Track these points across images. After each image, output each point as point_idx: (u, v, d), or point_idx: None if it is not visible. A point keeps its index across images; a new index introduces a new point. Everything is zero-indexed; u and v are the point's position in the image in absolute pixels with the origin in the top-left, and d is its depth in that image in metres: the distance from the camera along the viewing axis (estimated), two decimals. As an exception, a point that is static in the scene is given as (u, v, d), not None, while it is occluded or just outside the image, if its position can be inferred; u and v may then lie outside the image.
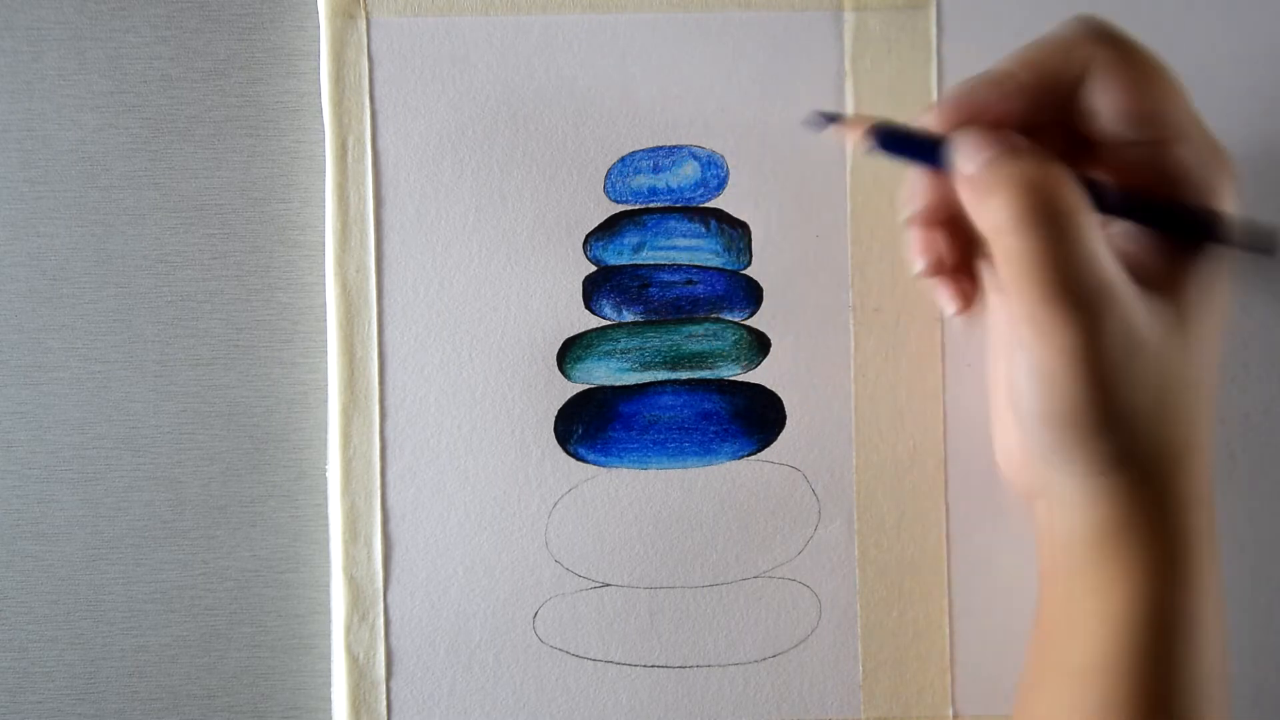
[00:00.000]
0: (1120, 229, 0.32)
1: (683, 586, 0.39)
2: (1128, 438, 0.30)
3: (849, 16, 0.39)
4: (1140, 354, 0.30)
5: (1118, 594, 0.31)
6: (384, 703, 0.39)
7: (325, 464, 0.40)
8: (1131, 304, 0.30)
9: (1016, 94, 0.31)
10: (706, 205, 0.39)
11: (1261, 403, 0.40)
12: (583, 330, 0.39)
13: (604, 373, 0.39)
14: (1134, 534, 0.31)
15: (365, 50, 0.39)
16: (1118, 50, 0.31)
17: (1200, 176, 0.30)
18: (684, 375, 0.40)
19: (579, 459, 0.39)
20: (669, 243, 0.39)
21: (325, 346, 0.40)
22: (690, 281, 0.39)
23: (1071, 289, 0.29)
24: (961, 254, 0.34)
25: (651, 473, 0.39)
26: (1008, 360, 0.32)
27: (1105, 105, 0.31)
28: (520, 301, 0.39)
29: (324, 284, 0.39)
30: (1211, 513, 0.32)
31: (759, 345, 0.39)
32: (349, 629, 0.39)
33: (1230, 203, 0.31)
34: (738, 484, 0.39)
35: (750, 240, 0.39)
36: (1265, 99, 0.40)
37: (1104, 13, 0.39)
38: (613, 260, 0.39)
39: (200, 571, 0.40)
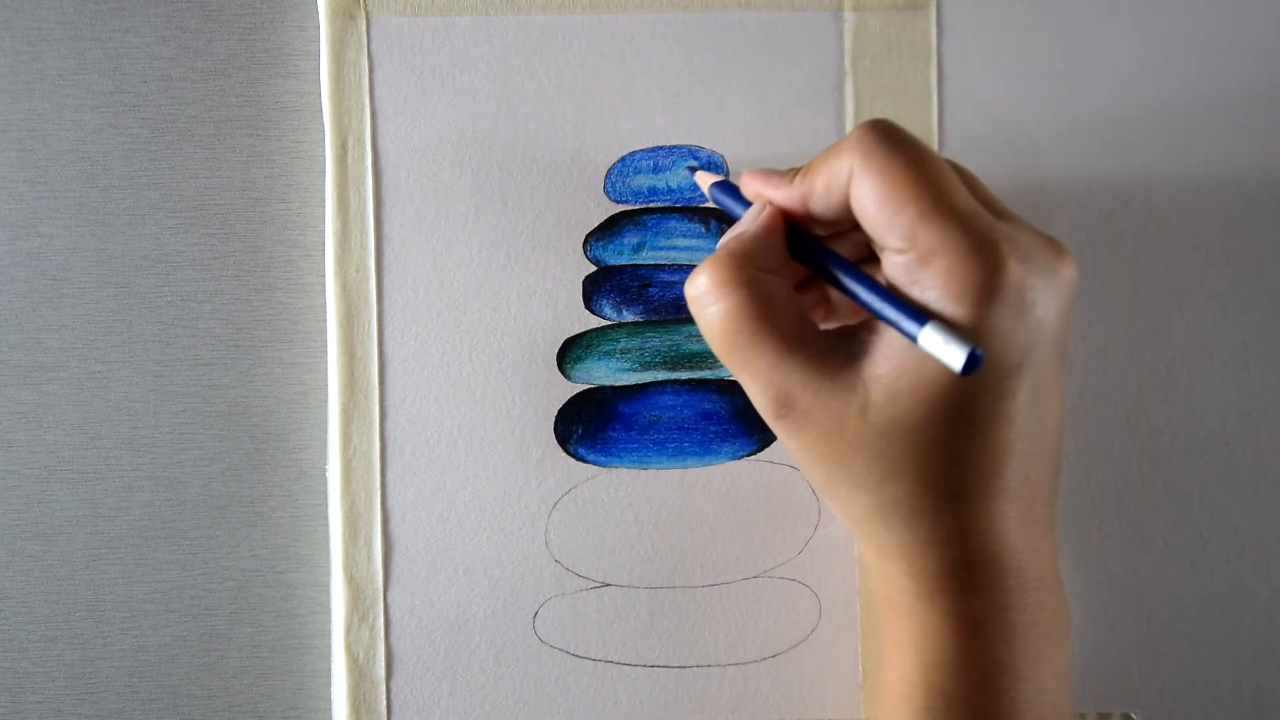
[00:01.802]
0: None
1: (683, 586, 0.39)
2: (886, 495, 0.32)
3: (849, 16, 0.39)
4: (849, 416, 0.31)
5: (930, 645, 0.32)
6: (384, 703, 0.39)
7: (325, 464, 0.40)
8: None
9: (799, 190, 0.33)
10: (706, 205, 0.39)
11: (1261, 403, 0.40)
12: (583, 330, 0.39)
13: (604, 373, 0.39)
14: (949, 590, 0.32)
15: (365, 50, 0.39)
16: (867, 160, 0.31)
17: (947, 292, 0.30)
18: (684, 375, 0.40)
19: (579, 459, 0.39)
20: (669, 243, 0.39)
21: (325, 346, 0.40)
22: (690, 281, 0.39)
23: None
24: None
25: (651, 473, 0.39)
26: None
27: (860, 213, 0.31)
28: (520, 301, 0.39)
29: (324, 284, 0.39)
30: (1042, 559, 0.33)
31: (759, 345, 0.39)
32: (349, 629, 0.39)
33: (988, 301, 0.30)
34: (738, 484, 0.39)
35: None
36: (1265, 100, 0.40)
37: (1099, 13, 0.39)
38: (613, 260, 0.39)
39: (200, 571, 0.40)
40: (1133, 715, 0.40)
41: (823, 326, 0.34)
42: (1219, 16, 0.40)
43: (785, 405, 0.32)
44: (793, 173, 0.33)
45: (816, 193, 0.32)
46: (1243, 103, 0.40)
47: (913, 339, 0.29)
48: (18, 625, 0.40)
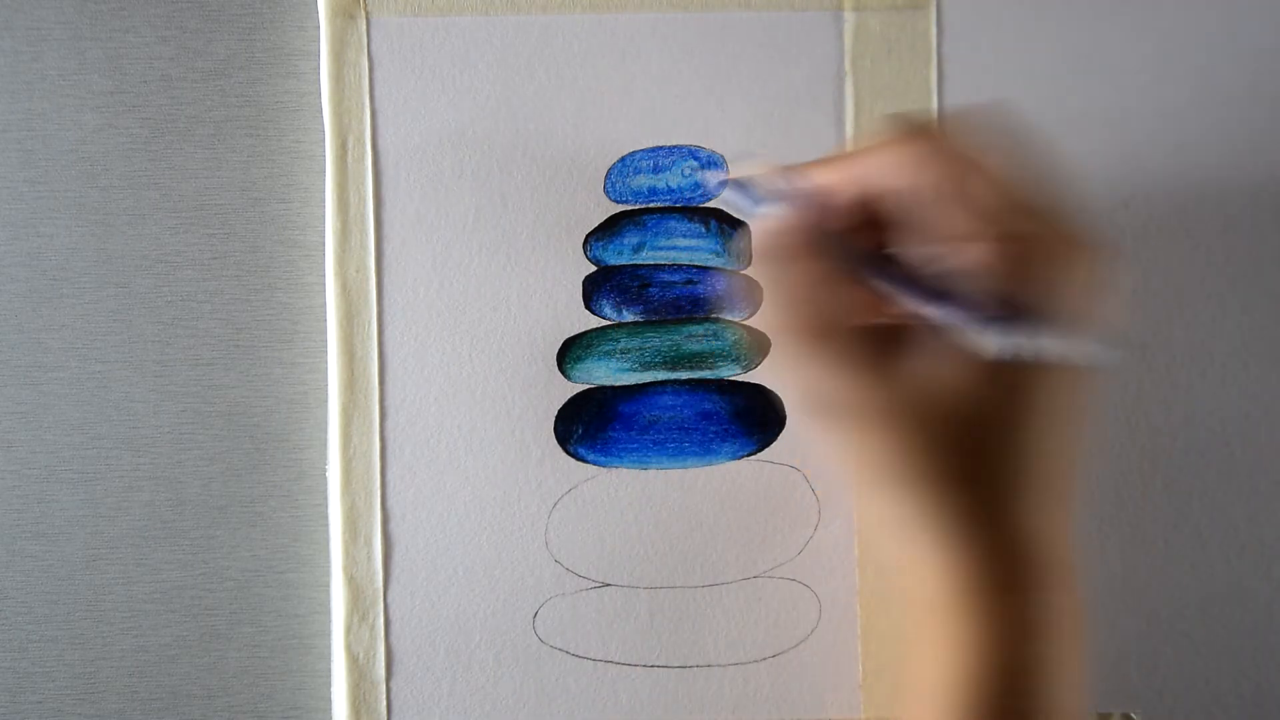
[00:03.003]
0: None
1: (683, 586, 0.39)
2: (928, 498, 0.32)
3: (849, 16, 0.39)
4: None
5: (970, 645, 0.32)
6: (384, 703, 0.39)
7: (325, 464, 0.40)
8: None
9: (837, 180, 0.32)
10: (706, 205, 0.39)
11: (1261, 403, 0.40)
12: (583, 330, 0.39)
13: (604, 373, 0.39)
14: (989, 588, 0.32)
15: (365, 50, 0.39)
16: (906, 157, 0.31)
17: (1006, 274, 0.30)
18: (684, 375, 0.40)
19: (579, 459, 0.39)
20: (669, 243, 0.39)
21: (325, 346, 0.40)
22: (690, 281, 0.39)
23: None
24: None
25: (651, 473, 0.39)
26: None
27: (923, 203, 0.31)
28: (520, 301, 0.39)
29: (324, 284, 0.39)
30: (1066, 558, 0.33)
31: (759, 345, 0.39)
32: (349, 629, 0.39)
33: (1063, 282, 0.30)
34: (738, 484, 0.39)
35: (750, 240, 0.39)
36: (1265, 100, 0.40)
37: (1099, 13, 0.39)
38: (613, 260, 0.39)
39: (200, 571, 0.40)
40: (1133, 715, 0.40)
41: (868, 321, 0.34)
42: (1219, 17, 0.40)
43: (830, 403, 0.32)
44: (822, 163, 0.33)
45: (860, 183, 0.32)
46: (1243, 103, 0.40)
47: (1013, 345, 0.29)
48: (18, 625, 0.40)
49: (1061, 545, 0.33)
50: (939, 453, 0.31)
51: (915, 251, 0.32)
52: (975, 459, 0.31)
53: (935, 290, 0.30)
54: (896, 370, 0.31)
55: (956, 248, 0.31)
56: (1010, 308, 0.30)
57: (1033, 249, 0.30)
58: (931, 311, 0.30)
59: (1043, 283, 0.30)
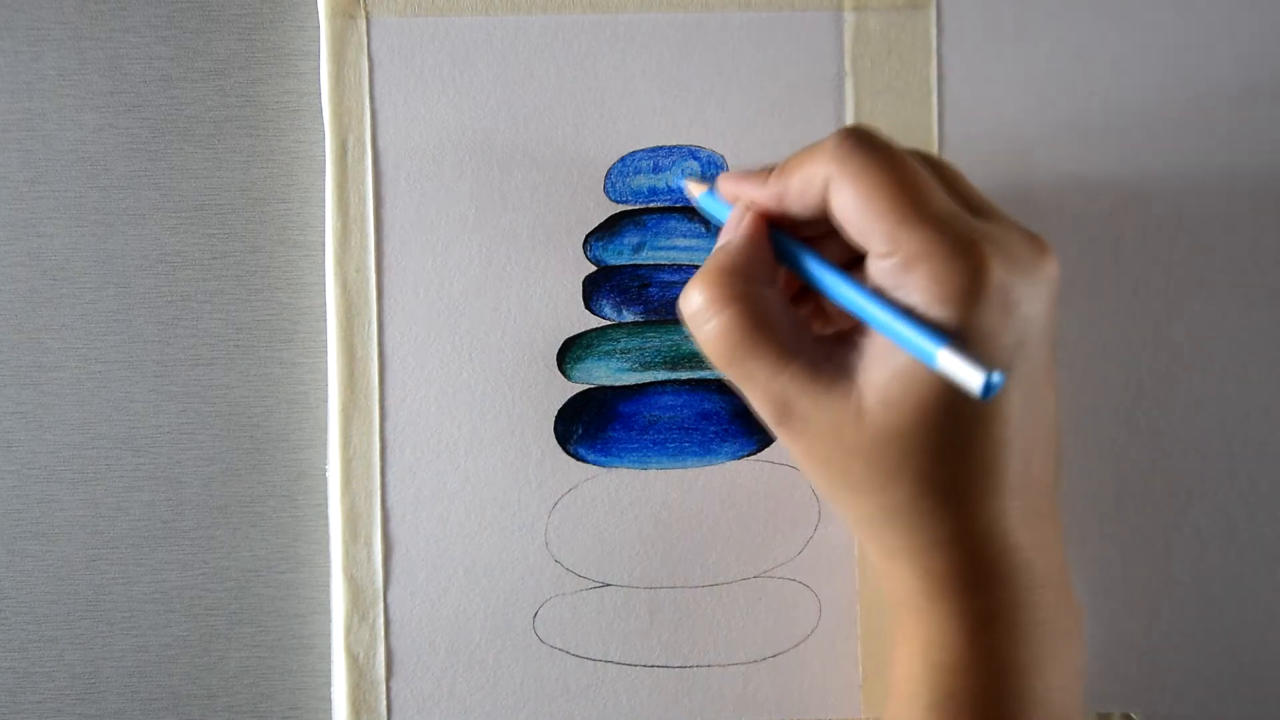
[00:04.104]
0: None
1: (683, 586, 0.39)
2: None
3: (849, 16, 0.39)
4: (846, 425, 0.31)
5: (937, 645, 0.32)
6: (384, 703, 0.39)
7: (325, 464, 0.40)
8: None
9: (774, 189, 0.33)
10: (706, 205, 0.39)
11: (1261, 403, 0.40)
12: (583, 330, 0.39)
13: (604, 373, 0.39)
14: (955, 589, 0.32)
15: (365, 50, 0.39)
16: (844, 168, 0.31)
17: (931, 296, 0.30)
18: (684, 375, 0.40)
19: (579, 459, 0.39)
20: (669, 243, 0.39)
21: (325, 346, 0.40)
22: (690, 281, 0.39)
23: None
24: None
25: (651, 473, 0.39)
26: None
27: (839, 219, 0.31)
28: (520, 301, 0.39)
29: (324, 284, 0.39)
30: (1049, 556, 0.33)
31: (759, 345, 0.39)
32: (349, 629, 0.39)
33: (973, 308, 0.30)
34: (738, 484, 0.39)
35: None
36: (1264, 99, 0.40)
37: (1099, 14, 0.39)
38: (613, 260, 0.39)
39: (200, 571, 0.40)
40: (1133, 715, 0.40)
41: (821, 332, 0.34)
42: (1219, 16, 0.40)
43: (784, 413, 0.32)
44: (767, 171, 0.33)
45: (792, 193, 0.32)
46: (1243, 102, 0.40)
47: (930, 362, 0.29)
48: (18, 625, 0.40)
49: (1042, 544, 0.33)
50: (893, 459, 0.31)
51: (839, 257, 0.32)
52: (929, 464, 0.31)
53: (897, 314, 0.30)
54: (850, 382, 0.31)
55: (876, 260, 0.31)
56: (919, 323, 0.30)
57: (925, 264, 0.30)
58: (873, 320, 0.31)
59: (934, 299, 0.30)
